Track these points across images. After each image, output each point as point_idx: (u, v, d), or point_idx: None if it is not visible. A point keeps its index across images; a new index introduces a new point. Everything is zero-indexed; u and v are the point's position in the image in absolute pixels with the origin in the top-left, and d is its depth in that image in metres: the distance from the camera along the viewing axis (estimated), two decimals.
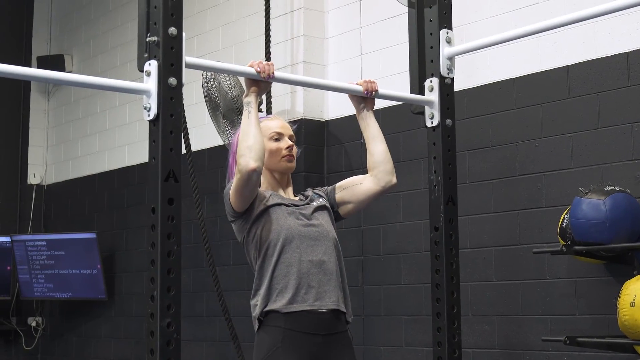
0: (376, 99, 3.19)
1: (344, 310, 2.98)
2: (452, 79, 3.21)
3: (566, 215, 3.78)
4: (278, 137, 3.08)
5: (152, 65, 2.52)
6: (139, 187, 6.55)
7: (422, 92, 3.20)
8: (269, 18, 5.24)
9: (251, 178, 2.83)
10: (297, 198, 3.12)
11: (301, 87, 5.21)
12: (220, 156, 5.59)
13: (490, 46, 3.39)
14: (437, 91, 3.16)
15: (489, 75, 4.47)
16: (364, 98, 3.16)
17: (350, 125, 5.00)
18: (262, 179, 3.07)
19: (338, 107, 5.21)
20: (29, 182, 7.62)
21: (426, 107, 3.19)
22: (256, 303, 2.95)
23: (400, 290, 4.78)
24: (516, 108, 4.34)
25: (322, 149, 5.27)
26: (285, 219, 2.97)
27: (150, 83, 2.52)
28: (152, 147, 2.51)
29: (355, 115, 3.24)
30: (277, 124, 3.12)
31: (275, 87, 5.01)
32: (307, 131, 5.19)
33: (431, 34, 3.20)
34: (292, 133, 3.14)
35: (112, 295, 6.75)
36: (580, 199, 3.68)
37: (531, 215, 4.21)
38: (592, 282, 3.95)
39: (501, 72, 4.41)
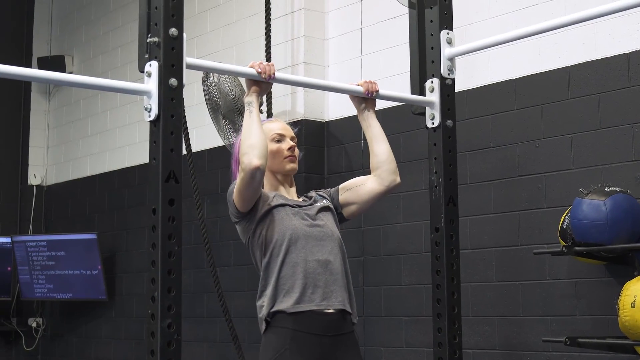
0: (377, 100, 3.19)
1: (350, 310, 2.98)
2: (453, 80, 3.21)
3: (567, 216, 3.78)
4: (280, 138, 3.09)
5: (152, 66, 2.52)
6: (139, 188, 6.55)
7: (422, 93, 3.20)
8: (269, 19, 5.24)
9: (255, 176, 2.82)
10: (300, 199, 3.12)
11: (302, 88, 5.21)
12: (220, 157, 5.59)
13: (490, 47, 3.39)
14: (438, 92, 3.16)
15: (489, 76, 4.47)
16: (365, 99, 3.16)
17: (350, 126, 5.00)
18: (265, 181, 3.07)
19: (338, 108, 5.21)
20: (29, 182, 7.62)
21: (427, 107, 3.19)
22: (262, 304, 2.94)
23: (400, 291, 4.78)
24: (517, 109, 4.34)
25: (322, 150, 5.27)
26: (290, 219, 2.97)
27: (150, 84, 2.52)
28: (152, 147, 2.51)
29: (355, 116, 3.24)
30: (279, 125, 3.12)
31: (276, 88, 5.02)
32: (308, 132, 5.19)
33: (432, 34, 3.20)
34: (293, 135, 3.14)
35: (112, 296, 6.75)
36: (581, 200, 3.68)
37: (532, 216, 4.20)
38: (593, 282, 3.95)
39: (502, 72, 4.41)
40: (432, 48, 3.19)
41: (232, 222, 3.05)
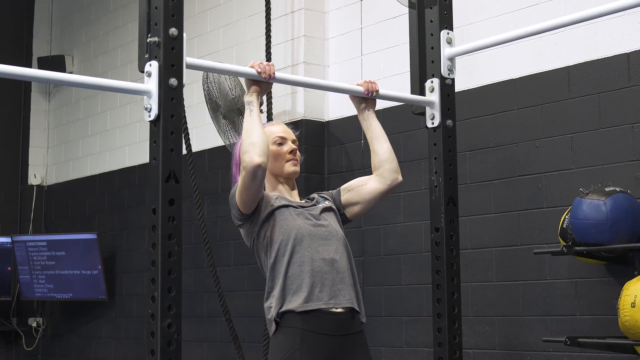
0: (377, 100, 3.19)
1: (358, 309, 2.98)
2: (453, 80, 3.21)
3: (567, 216, 3.78)
4: (281, 141, 3.09)
5: (152, 66, 2.52)
6: (139, 188, 6.55)
7: (422, 93, 3.20)
8: (269, 19, 5.24)
9: (256, 174, 2.82)
10: (303, 201, 3.12)
11: (302, 88, 5.21)
12: (221, 157, 5.59)
13: (490, 47, 3.39)
14: (438, 92, 3.16)
15: (489, 76, 4.47)
16: (365, 99, 3.16)
17: (350, 125, 5.00)
18: (267, 184, 3.07)
19: (338, 108, 5.22)
20: (29, 182, 7.62)
21: (427, 107, 3.19)
22: (270, 305, 2.94)
23: (400, 291, 4.78)
24: (517, 109, 4.34)
25: (322, 150, 5.27)
26: (294, 219, 2.97)
27: (151, 84, 2.52)
28: (152, 147, 2.51)
29: (355, 116, 3.24)
30: (280, 128, 3.13)
31: (276, 88, 5.02)
32: (308, 132, 5.20)
33: (432, 34, 3.20)
34: (294, 137, 3.14)
35: (112, 296, 6.75)
36: (581, 200, 3.68)
37: (532, 215, 4.21)
38: (593, 282, 3.95)
39: (502, 72, 4.41)
40: (432, 48, 3.19)
41: (235, 225, 3.04)
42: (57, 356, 7.32)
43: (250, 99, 2.91)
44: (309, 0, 5.34)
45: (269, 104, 5.11)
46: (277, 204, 2.99)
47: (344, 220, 3.14)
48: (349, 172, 5.03)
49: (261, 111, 3.00)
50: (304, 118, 5.22)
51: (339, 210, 3.14)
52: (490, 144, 4.43)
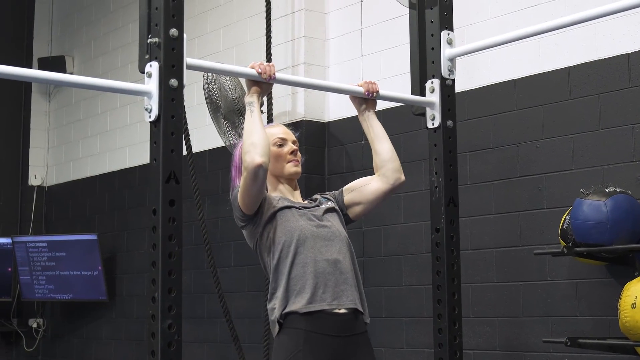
0: (377, 100, 3.19)
1: (362, 310, 2.98)
2: (453, 80, 3.21)
3: (567, 217, 3.78)
4: (282, 142, 3.09)
5: (153, 67, 2.52)
6: (139, 189, 6.55)
7: (423, 94, 3.20)
8: (269, 19, 5.24)
9: (258, 174, 2.82)
10: (305, 202, 3.12)
11: (302, 89, 5.21)
12: (221, 158, 5.59)
13: (491, 47, 3.39)
14: (438, 92, 3.16)
15: (490, 77, 4.47)
16: (365, 99, 3.16)
17: (351, 126, 5.00)
18: (269, 186, 3.07)
19: (339, 109, 5.22)
20: (30, 183, 7.63)
21: (427, 108, 3.18)
22: (274, 306, 2.93)
23: (401, 291, 4.78)
24: (517, 109, 4.34)
25: (323, 151, 5.27)
26: (296, 220, 2.96)
27: (151, 84, 2.52)
28: (153, 148, 2.51)
29: (356, 116, 3.24)
30: (280, 130, 3.13)
31: (276, 89, 5.02)
32: (308, 133, 5.20)
33: (432, 35, 3.20)
34: (295, 138, 3.14)
35: (113, 297, 6.75)
36: (581, 201, 3.68)
37: (532, 216, 4.20)
38: (593, 283, 3.95)
39: (502, 73, 4.41)
40: (433, 48, 3.19)
41: (238, 226, 3.04)
42: (58, 357, 7.32)
43: (251, 100, 2.91)
44: (309, 1, 5.34)
45: (270, 104, 5.11)
46: (279, 205, 2.98)
47: (346, 220, 3.14)
48: (349, 173, 5.03)
49: (262, 112, 3.00)
50: (304, 119, 5.22)
51: (342, 210, 3.13)
52: (490, 144, 4.43)
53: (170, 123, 2.50)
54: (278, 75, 2.92)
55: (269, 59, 5.15)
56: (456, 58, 3.21)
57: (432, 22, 3.21)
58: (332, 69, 5.33)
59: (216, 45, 5.96)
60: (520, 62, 4.33)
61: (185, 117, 4.77)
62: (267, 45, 5.21)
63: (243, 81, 3.62)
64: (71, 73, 7.29)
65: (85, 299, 6.86)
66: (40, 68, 7.27)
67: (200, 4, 6.13)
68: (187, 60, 2.58)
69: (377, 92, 3.14)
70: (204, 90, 5.29)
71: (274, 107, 5.16)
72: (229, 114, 5.22)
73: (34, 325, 7.38)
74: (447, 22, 3.21)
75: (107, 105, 7.06)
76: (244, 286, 5.55)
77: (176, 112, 2.52)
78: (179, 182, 2.49)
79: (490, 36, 3.29)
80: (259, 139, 2.83)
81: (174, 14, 2.54)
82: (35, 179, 7.62)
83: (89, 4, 7.46)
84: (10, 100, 7.59)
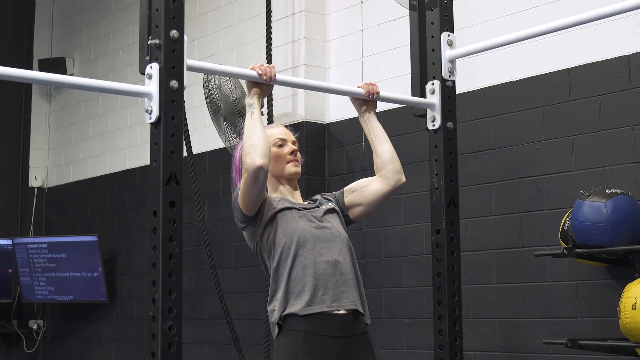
0: (377, 102, 3.19)
1: (362, 311, 2.97)
2: (454, 82, 3.21)
3: (567, 218, 3.78)
4: (282, 143, 3.08)
5: (153, 68, 2.52)
6: (140, 190, 6.55)
7: (423, 95, 3.20)
8: (270, 21, 5.25)
9: (258, 176, 2.82)
10: (306, 202, 3.12)
11: (302, 90, 5.21)
12: (221, 159, 5.59)
13: (491, 49, 3.39)
14: (439, 94, 3.16)
15: (490, 78, 4.47)
16: (366, 101, 3.16)
17: (351, 127, 5.01)
18: (270, 187, 3.07)
19: (339, 110, 5.22)
20: (30, 184, 7.63)
21: (427, 109, 3.19)
22: (274, 308, 2.93)
23: (401, 293, 4.78)
24: (517, 111, 4.34)
25: (323, 152, 5.27)
26: (296, 222, 2.96)
27: (151, 86, 2.52)
28: (153, 149, 2.51)
29: (356, 117, 3.25)
30: (280, 130, 3.13)
31: (277, 90, 5.02)
32: (308, 134, 5.20)
33: (432, 36, 3.20)
34: (294, 139, 3.14)
35: (113, 298, 6.75)
36: (582, 202, 3.68)
37: (532, 217, 4.20)
38: (594, 284, 3.95)
39: (502, 74, 4.41)
40: (433, 50, 3.19)
41: (238, 228, 3.04)
42: (58, 358, 7.32)
43: (251, 102, 2.91)
44: (309, 3, 5.35)
45: (270, 106, 5.11)
46: (279, 206, 2.98)
47: (347, 221, 3.14)
48: (349, 174, 5.03)
49: (262, 113, 3.00)
50: (304, 120, 5.22)
51: (343, 211, 3.13)
52: (490, 146, 4.43)
53: (170, 124, 2.50)
54: (278, 76, 2.92)
55: (269, 61, 5.15)
56: (456, 59, 3.21)
57: (432, 23, 3.21)
58: (333, 70, 5.34)
59: (216, 47, 5.96)
60: (521, 63, 4.33)
61: (185, 119, 4.77)
62: (267, 46, 5.21)
63: (243, 83, 3.62)
64: (71, 74, 7.29)
65: (85, 300, 6.86)
66: (41, 69, 7.27)
67: (200, 5, 6.13)
68: (188, 61, 2.58)
69: (378, 93, 3.14)
70: (204, 92, 5.29)
71: (274, 108, 5.16)
72: (229, 115, 5.22)
73: (34, 327, 7.38)
74: (447, 24, 3.21)
75: (107, 107, 7.06)
76: (244, 287, 5.55)
77: (176, 114, 2.52)
78: (180, 183, 2.49)
79: (491, 38, 3.29)
80: (259, 141, 2.83)
81: (175, 16, 2.54)
82: (35, 180, 7.62)
83: (89, 5, 7.46)
84: (11, 101, 7.60)
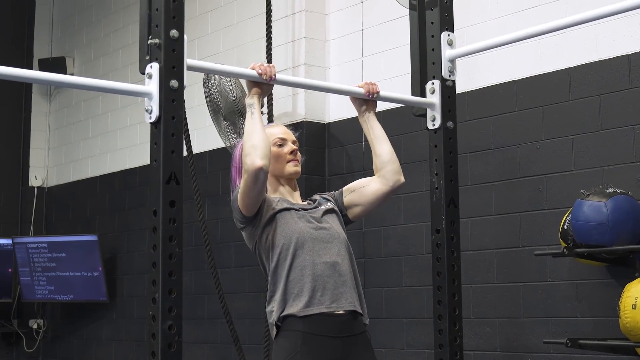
0: (377, 101, 3.19)
1: (361, 311, 2.97)
2: (454, 81, 3.21)
3: (567, 218, 3.78)
4: (282, 142, 3.08)
5: (153, 68, 2.52)
6: (140, 190, 6.55)
7: (423, 95, 3.20)
8: (270, 20, 5.24)
9: (258, 176, 2.82)
10: (305, 203, 3.11)
11: (302, 90, 5.21)
12: (221, 158, 5.59)
13: (491, 48, 3.39)
14: (439, 93, 3.16)
15: (490, 78, 4.47)
16: (366, 100, 3.16)
17: (351, 127, 5.00)
18: (269, 186, 3.07)
19: (339, 110, 5.22)
20: (30, 184, 7.63)
21: (427, 109, 3.18)
22: (272, 309, 2.93)
23: (401, 292, 4.78)
24: (517, 110, 4.34)
25: (323, 152, 5.27)
26: (295, 223, 2.96)
27: (151, 85, 2.52)
28: (153, 149, 2.51)
29: (356, 117, 3.24)
30: (280, 130, 3.12)
31: (277, 90, 5.02)
32: (309, 133, 5.20)
33: (432, 36, 3.20)
34: (294, 138, 3.13)
35: (113, 298, 6.75)
36: (582, 201, 3.68)
37: (533, 217, 4.20)
38: (594, 284, 3.95)
39: (502, 74, 4.41)
40: (433, 49, 3.19)
41: (237, 228, 3.04)
42: (58, 358, 7.32)
43: (252, 102, 2.91)
44: (309, 2, 5.35)
45: (270, 105, 5.11)
46: (278, 207, 2.98)
47: (346, 221, 3.14)
48: (349, 174, 5.03)
49: (262, 113, 3.00)
50: (304, 120, 5.22)
51: (342, 211, 3.13)
52: (491, 145, 4.43)
53: (170, 124, 2.50)
54: (278, 76, 2.92)
55: (269, 60, 5.15)
56: (456, 59, 3.21)
57: (432, 23, 3.21)
58: (333, 70, 5.34)
59: (216, 46, 5.96)
60: (521, 63, 4.33)
61: (185, 118, 4.77)
62: (267, 46, 5.21)
63: (244, 82, 3.63)
64: (71, 74, 7.29)
65: (85, 299, 6.86)
66: (41, 69, 7.27)
67: (200, 5, 6.13)
68: (188, 61, 2.58)
69: (378, 93, 3.14)
70: (205, 91, 5.29)
71: (274, 108, 5.16)
72: (229, 115, 5.22)
73: (35, 326, 7.38)
74: (447, 23, 3.21)
75: (107, 106, 7.06)
76: (244, 287, 5.55)
77: (177, 113, 2.52)
78: (180, 183, 2.49)
79: (491, 37, 3.29)
80: (259, 141, 2.83)
81: (175, 15, 2.54)
82: (35, 179, 7.63)
83: (89, 5, 7.46)
84: (11, 101, 7.60)
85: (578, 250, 3.70)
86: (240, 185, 2.90)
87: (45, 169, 7.71)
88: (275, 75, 2.89)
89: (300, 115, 5.25)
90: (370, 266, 4.94)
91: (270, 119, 5.05)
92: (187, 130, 5.08)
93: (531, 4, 4.31)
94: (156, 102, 2.50)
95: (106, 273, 6.67)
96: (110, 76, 6.92)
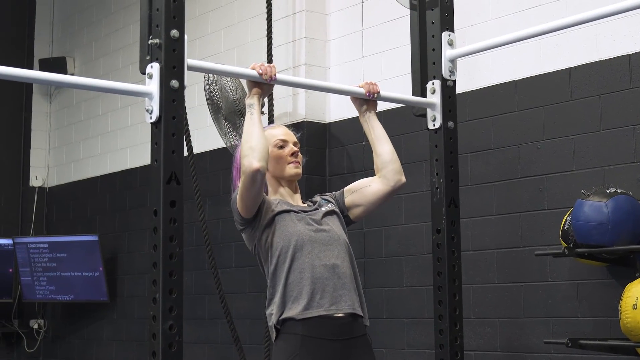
0: (378, 101, 3.19)
1: (361, 313, 2.97)
2: (454, 81, 3.21)
3: (568, 218, 3.78)
4: (282, 144, 3.07)
5: (154, 68, 2.52)
6: (140, 190, 6.55)
7: (424, 95, 3.20)
8: (270, 20, 5.24)
9: (255, 178, 2.82)
10: (305, 204, 3.11)
11: (303, 90, 5.21)
12: (222, 158, 5.60)
13: (492, 48, 3.39)
14: (439, 93, 3.16)
15: (490, 78, 4.47)
16: (366, 100, 3.16)
17: (352, 127, 5.00)
18: (270, 187, 3.06)
19: (340, 110, 5.22)
20: (31, 184, 7.63)
21: (428, 109, 3.18)
22: (271, 312, 2.92)
23: (402, 292, 4.78)
24: (518, 110, 4.34)
25: (324, 152, 5.27)
26: (295, 225, 2.95)
27: (152, 85, 2.52)
28: (154, 149, 2.51)
29: (357, 117, 3.24)
30: (281, 131, 3.12)
31: (277, 90, 5.02)
32: (309, 133, 5.20)
33: (433, 36, 3.20)
34: (296, 140, 3.13)
35: (114, 298, 6.75)
36: (582, 201, 3.68)
37: (533, 217, 4.20)
38: (594, 284, 3.95)
39: (503, 74, 4.41)
40: (434, 49, 3.19)
41: (237, 230, 3.04)
42: (59, 358, 7.32)
43: (252, 102, 2.90)
44: (310, 2, 5.35)
45: (270, 105, 5.11)
46: (278, 209, 2.97)
47: (347, 222, 3.13)
48: (350, 174, 5.03)
49: (262, 113, 2.99)
50: (305, 120, 5.22)
51: (343, 212, 3.12)
52: (491, 145, 4.43)
53: (171, 124, 2.50)
54: (279, 76, 2.92)
55: (269, 60, 5.15)
56: (457, 59, 3.21)
57: (433, 23, 3.21)
58: (333, 70, 5.34)
59: (217, 46, 5.96)
60: (521, 63, 4.33)
61: (186, 118, 4.77)
62: (268, 46, 5.21)
63: (244, 82, 3.63)
64: (72, 74, 7.29)
65: (86, 299, 6.86)
66: (41, 69, 7.28)
67: (201, 5, 6.13)
68: (188, 61, 2.58)
69: (378, 93, 3.14)
70: (205, 91, 5.29)
71: (275, 108, 5.16)
72: (230, 115, 5.22)
73: (35, 326, 7.38)
74: (448, 23, 3.20)
75: (108, 107, 7.06)
76: (245, 287, 5.55)
77: (177, 113, 2.52)
78: (180, 183, 2.49)
79: (491, 37, 3.29)
80: (257, 143, 2.83)
81: (175, 15, 2.54)
82: (36, 180, 7.63)
83: (89, 5, 7.46)
84: (11, 101, 7.60)
85: (579, 250, 3.70)
86: (239, 188, 2.90)
87: (45, 169, 7.71)
88: (275, 75, 2.89)
89: (301, 115, 5.25)
90: (371, 266, 4.93)
91: (270, 119, 5.05)
92: (188, 130, 5.08)
93: (532, 4, 4.31)
94: (157, 102, 2.50)
95: (107, 273, 6.67)
96: (110, 76, 6.92)
